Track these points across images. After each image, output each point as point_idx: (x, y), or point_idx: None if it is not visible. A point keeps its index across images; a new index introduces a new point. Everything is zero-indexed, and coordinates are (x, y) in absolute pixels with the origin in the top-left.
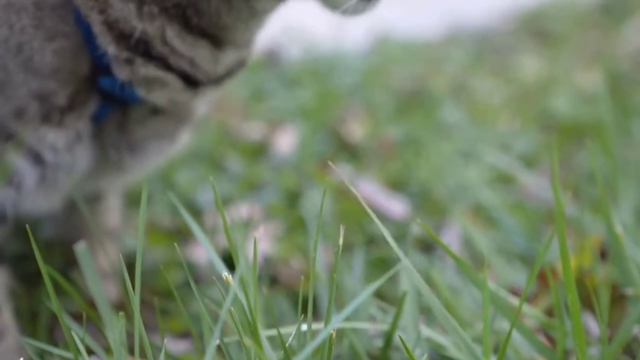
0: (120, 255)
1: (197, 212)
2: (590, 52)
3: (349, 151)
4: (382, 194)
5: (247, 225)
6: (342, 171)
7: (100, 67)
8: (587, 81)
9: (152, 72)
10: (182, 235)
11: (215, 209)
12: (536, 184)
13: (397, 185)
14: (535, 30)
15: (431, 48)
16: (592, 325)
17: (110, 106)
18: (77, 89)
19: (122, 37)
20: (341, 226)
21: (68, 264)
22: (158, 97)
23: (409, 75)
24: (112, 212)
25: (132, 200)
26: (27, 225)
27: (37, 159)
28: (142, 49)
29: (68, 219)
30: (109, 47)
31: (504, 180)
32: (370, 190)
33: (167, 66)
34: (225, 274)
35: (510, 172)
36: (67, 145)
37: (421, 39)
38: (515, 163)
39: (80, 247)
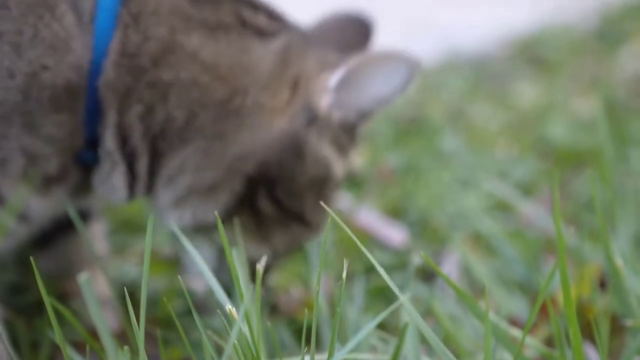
0: (125, 290)
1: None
2: (586, 79)
3: (349, 179)
4: (382, 222)
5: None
6: (343, 199)
7: (86, 141)
8: (584, 108)
9: (119, 185)
10: (182, 264)
11: None
12: (535, 213)
13: (396, 212)
14: (531, 56)
15: (428, 75)
16: (592, 356)
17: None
18: (70, 161)
19: (123, 140)
20: (345, 260)
21: (62, 296)
22: (101, 191)
23: (407, 102)
24: (98, 240)
25: (131, 228)
26: (31, 258)
27: (22, 217)
28: (129, 161)
29: (59, 252)
30: (109, 142)
31: (502, 207)
32: (370, 218)
33: (130, 188)
34: (229, 306)
35: (508, 200)
36: (50, 209)
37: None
38: (513, 191)
39: (83, 278)
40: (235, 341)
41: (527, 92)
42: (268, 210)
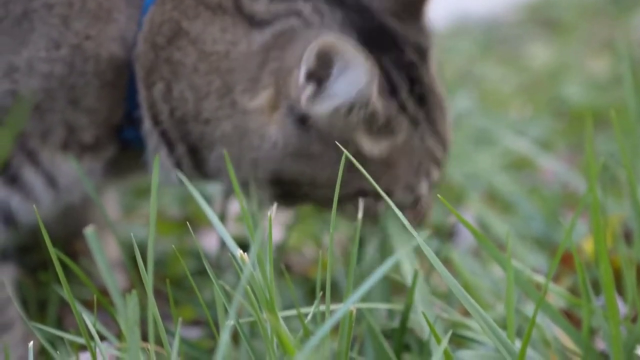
0: (134, 241)
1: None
2: (599, 41)
3: None
4: None
5: (259, 212)
6: None
7: (129, 118)
8: (598, 68)
9: (168, 165)
10: (191, 225)
11: (223, 199)
12: (556, 167)
13: None
14: (542, 19)
15: (439, 38)
16: (619, 305)
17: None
18: (105, 134)
19: (155, 120)
20: (360, 199)
21: (72, 255)
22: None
23: None
24: (110, 205)
25: (138, 191)
26: (37, 215)
27: (52, 182)
28: (168, 142)
29: (68, 215)
30: (145, 120)
31: (518, 166)
32: None
33: (179, 165)
34: (240, 252)
35: (528, 155)
36: (78, 179)
37: None
38: (533, 147)
39: (89, 231)
40: (248, 287)
41: (540, 54)
42: (320, 198)
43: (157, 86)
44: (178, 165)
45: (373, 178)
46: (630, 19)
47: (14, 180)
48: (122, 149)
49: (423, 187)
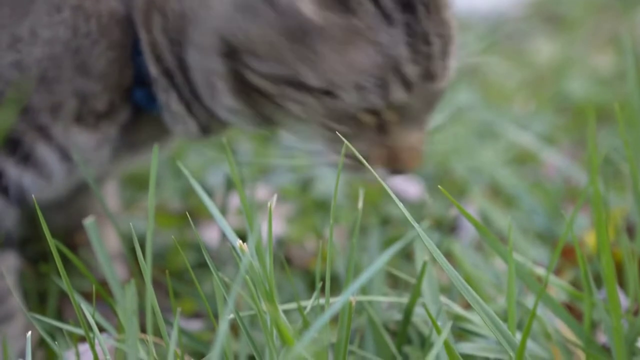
0: (133, 232)
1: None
2: (604, 36)
3: None
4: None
5: (260, 206)
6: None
7: (139, 78)
8: (602, 64)
9: (180, 110)
10: (192, 217)
11: (224, 192)
12: (558, 161)
13: None
14: (547, 15)
15: None
16: (621, 299)
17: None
18: (118, 97)
19: (161, 62)
20: (360, 189)
21: (72, 246)
22: (178, 130)
23: None
24: (111, 197)
25: (139, 184)
26: (35, 203)
27: (65, 156)
28: (177, 85)
29: (69, 206)
30: (151, 67)
31: (520, 161)
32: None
33: (190, 111)
34: (239, 242)
35: (531, 150)
36: (95, 147)
37: None
38: (536, 141)
39: (89, 222)
40: (247, 277)
41: (544, 50)
42: (265, 86)
43: (154, 20)
44: (189, 108)
45: (317, 56)
46: (634, 15)
47: (27, 159)
48: (135, 115)
49: (375, 98)
